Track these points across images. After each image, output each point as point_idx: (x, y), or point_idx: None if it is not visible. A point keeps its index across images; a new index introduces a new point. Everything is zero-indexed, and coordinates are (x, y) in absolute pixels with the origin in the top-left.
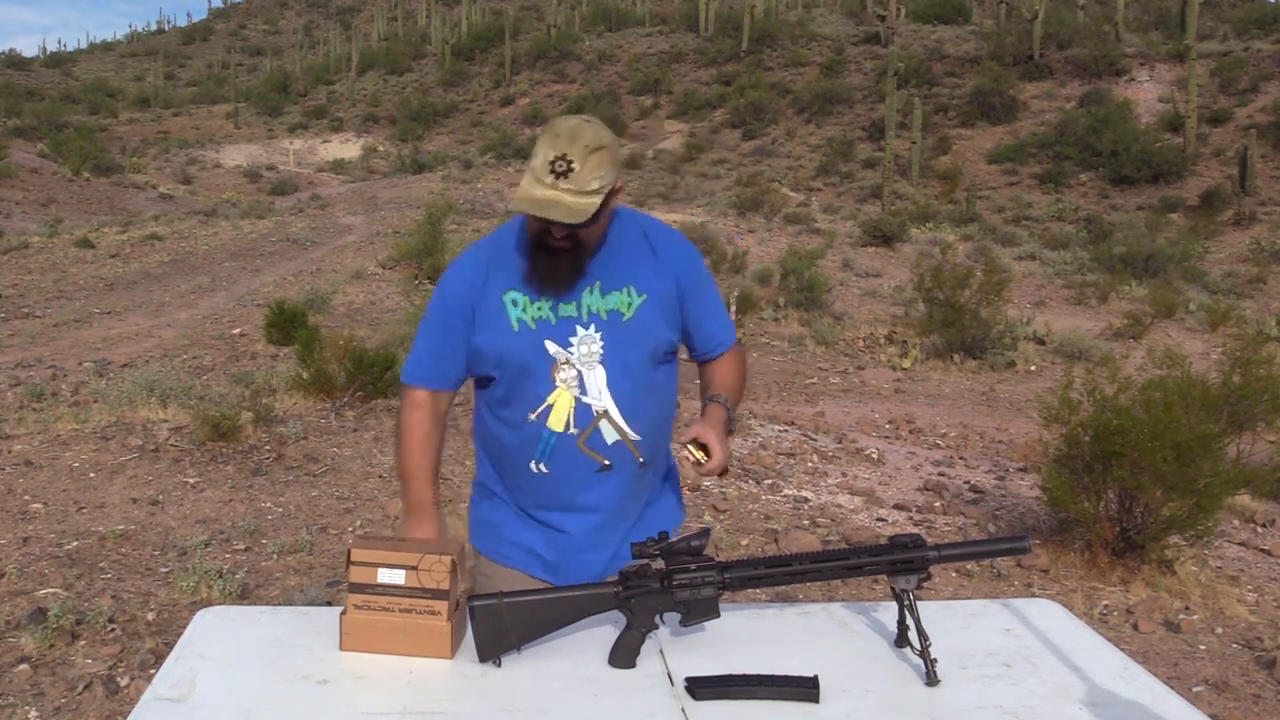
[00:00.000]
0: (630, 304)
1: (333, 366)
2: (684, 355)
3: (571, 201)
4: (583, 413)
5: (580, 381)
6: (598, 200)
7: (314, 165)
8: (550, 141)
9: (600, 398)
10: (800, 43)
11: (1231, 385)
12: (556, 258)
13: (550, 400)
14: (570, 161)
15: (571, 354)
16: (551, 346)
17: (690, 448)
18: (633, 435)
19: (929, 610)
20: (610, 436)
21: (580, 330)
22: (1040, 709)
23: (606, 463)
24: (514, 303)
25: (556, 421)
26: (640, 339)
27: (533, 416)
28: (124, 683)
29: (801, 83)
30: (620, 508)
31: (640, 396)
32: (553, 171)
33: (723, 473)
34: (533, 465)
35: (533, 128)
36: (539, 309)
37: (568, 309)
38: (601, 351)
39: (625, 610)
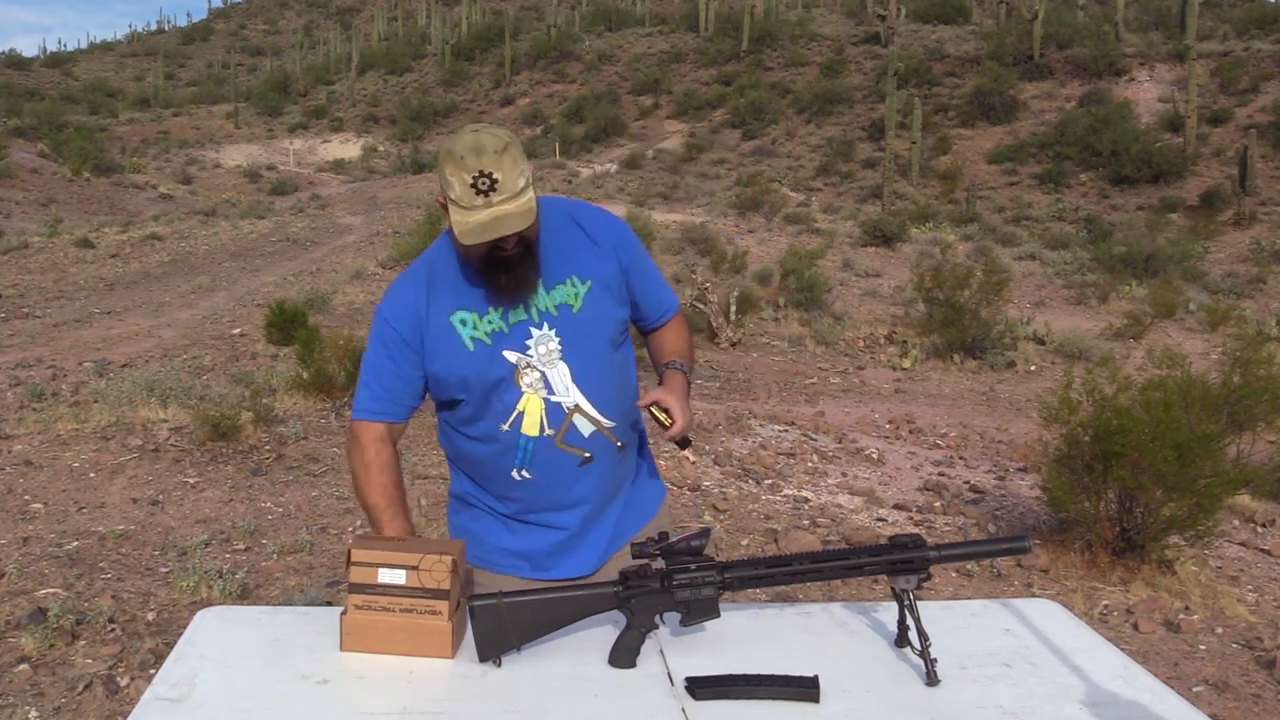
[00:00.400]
0: (577, 294)
1: (332, 366)
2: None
3: (512, 208)
4: (554, 412)
5: (545, 382)
6: (532, 194)
7: (314, 165)
8: (458, 166)
9: (568, 393)
10: (800, 43)
11: (1231, 385)
12: (515, 267)
13: (520, 407)
14: (490, 174)
15: (531, 357)
16: (511, 355)
17: (653, 409)
18: (607, 423)
19: (929, 610)
20: (586, 429)
21: (535, 331)
22: (1040, 709)
23: (587, 455)
24: (463, 322)
25: (531, 426)
26: (594, 327)
27: (505, 427)
28: (124, 683)
29: (801, 83)
30: (606, 494)
31: (606, 383)
32: (479, 192)
33: (684, 443)
34: (515, 474)
35: (533, 128)
36: (489, 322)
37: (518, 314)
38: (560, 348)
39: (625, 610)
